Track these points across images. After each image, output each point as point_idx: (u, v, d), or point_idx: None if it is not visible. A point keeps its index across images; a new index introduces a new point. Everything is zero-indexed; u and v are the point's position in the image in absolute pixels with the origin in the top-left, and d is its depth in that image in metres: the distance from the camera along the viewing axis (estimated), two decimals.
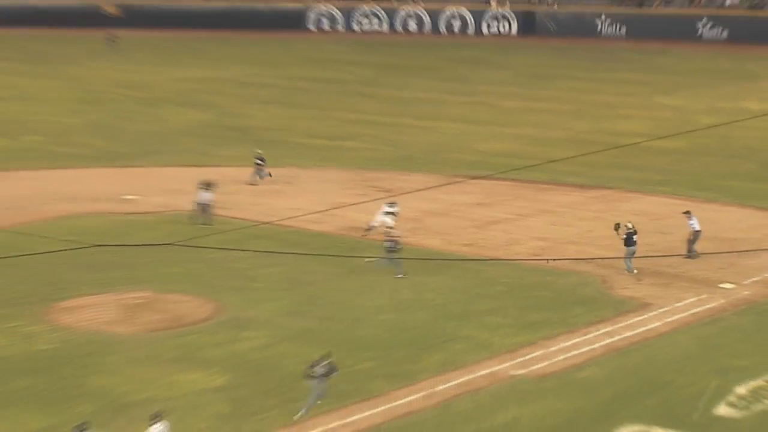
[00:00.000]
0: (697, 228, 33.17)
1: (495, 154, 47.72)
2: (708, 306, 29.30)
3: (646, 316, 28.61)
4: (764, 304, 29.41)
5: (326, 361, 22.68)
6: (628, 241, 31.80)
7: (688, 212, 33.68)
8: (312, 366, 22.56)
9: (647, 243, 33.78)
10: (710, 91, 62.65)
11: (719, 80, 66.52)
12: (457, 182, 40.87)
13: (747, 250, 33.00)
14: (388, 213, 34.51)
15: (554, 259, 32.11)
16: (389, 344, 26.70)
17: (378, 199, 38.04)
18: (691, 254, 32.88)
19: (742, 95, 61.04)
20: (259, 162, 42.77)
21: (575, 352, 26.17)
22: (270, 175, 41.74)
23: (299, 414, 22.36)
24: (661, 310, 28.95)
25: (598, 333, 27.35)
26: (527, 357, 25.91)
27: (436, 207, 38.96)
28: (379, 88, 66.26)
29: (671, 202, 39.25)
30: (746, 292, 30.31)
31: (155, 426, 20.45)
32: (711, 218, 37.80)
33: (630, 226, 32.19)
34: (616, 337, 27.11)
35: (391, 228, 33.30)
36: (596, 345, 26.63)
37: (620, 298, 30.00)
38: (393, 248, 31.40)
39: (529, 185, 42.37)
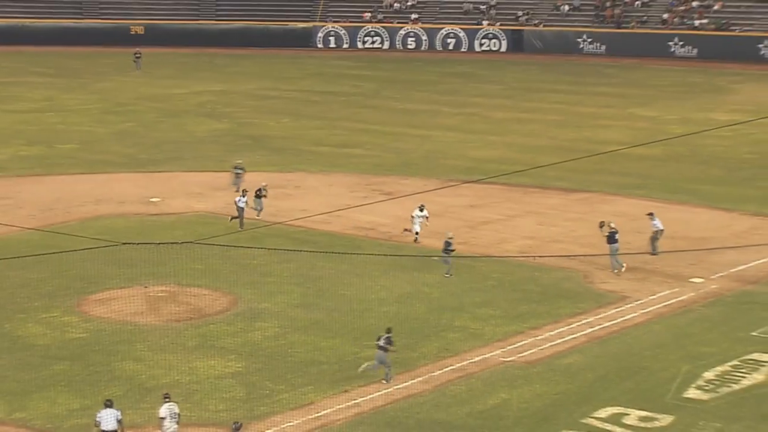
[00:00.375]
0: (660, 227, 33.21)
1: (486, 161, 47.73)
2: (680, 298, 29.34)
3: (623, 307, 28.65)
4: (730, 296, 29.45)
5: (387, 335, 23.73)
6: (611, 239, 31.83)
7: (651, 213, 33.77)
8: (378, 338, 23.71)
9: (625, 241, 33.78)
10: (682, 104, 62.61)
11: (690, 94, 66.48)
12: (452, 186, 40.90)
13: (715, 248, 33.03)
14: (420, 217, 34.47)
15: (541, 256, 32.13)
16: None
17: (380, 201, 38.07)
18: (654, 251, 32.93)
19: (710, 107, 61.03)
20: (238, 171, 40.76)
21: (560, 341, 26.22)
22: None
23: (363, 367, 23.70)
24: (637, 303, 29.01)
25: (580, 323, 27.41)
26: (516, 345, 25.96)
27: (433, 209, 38.93)
28: (381, 100, 66.27)
29: (648, 205, 39.21)
30: (714, 286, 30.35)
31: (164, 407, 20.57)
32: (683, 219, 37.83)
33: (613, 225, 32.23)
34: (597, 327, 27.16)
35: (415, 232, 33.51)
36: (579, 334, 26.68)
37: (600, 291, 30.04)
38: (447, 249, 30.92)
39: (518, 189, 42.39)
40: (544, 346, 25.89)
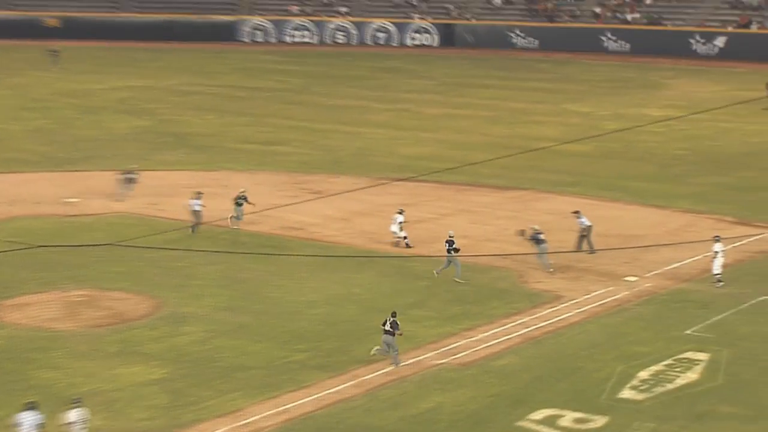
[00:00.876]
0: (587, 224, 33.71)
1: (418, 158, 47.92)
2: (614, 297, 29.81)
3: (558, 307, 29.01)
4: (664, 295, 30.01)
5: (393, 319, 24.52)
6: (538, 241, 32.25)
7: (576, 212, 34.24)
8: (384, 323, 24.50)
9: (558, 240, 34.24)
10: (615, 99, 63.63)
11: (623, 89, 67.59)
12: (383, 184, 40.96)
13: (649, 246, 33.63)
14: (400, 222, 34.29)
15: (474, 256, 32.36)
16: (321, 336, 26.69)
17: (308, 200, 37.98)
18: (591, 249, 33.41)
19: (643, 103, 62.14)
20: (131, 176, 39.57)
21: (494, 342, 26.44)
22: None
23: (373, 351, 24.66)
24: (572, 302, 29.39)
25: (514, 324, 27.67)
26: (449, 347, 26.10)
27: (363, 207, 39.00)
28: (309, 96, 66.10)
29: (581, 202, 39.77)
30: (648, 284, 30.90)
31: (74, 411, 20.18)
32: (616, 216, 38.46)
33: (536, 227, 32.65)
34: (531, 328, 27.45)
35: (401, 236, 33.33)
36: (513, 335, 26.93)
37: (535, 291, 30.37)
38: (451, 248, 30.57)
39: (450, 187, 42.64)
40: (478, 348, 26.08)
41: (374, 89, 67.92)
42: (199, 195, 35.86)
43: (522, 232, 32.60)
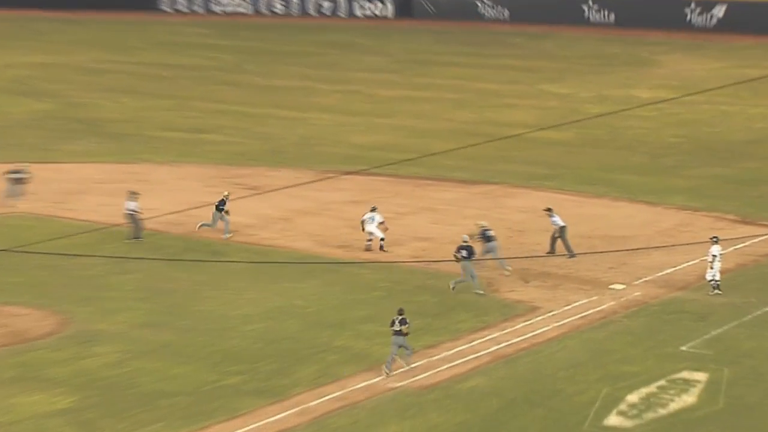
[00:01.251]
0: (561, 224, 34.00)
1: (371, 148, 47.97)
2: (598, 308, 30.06)
3: (534, 320, 29.20)
4: (656, 305, 30.33)
5: (401, 317, 25.62)
6: (487, 239, 32.45)
7: (548, 209, 34.49)
8: (392, 323, 25.69)
9: (534, 242, 34.48)
10: (598, 78, 64.14)
11: (607, 66, 68.15)
12: (330, 178, 40.93)
13: (638, 249, 33.94)
14: (380, 222, 34.18)
15: (437, 261, 32.46)
16: (258, 357, 26.64)
17: (243, 197, 37.85)
18: (552, 252, 33.75)
19: (631, 82, 62.70)
20: (18, 176, 38.52)
21: (460, 361, 26.55)
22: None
23: (389, 358, 25.65)
24: (550, 314, 29.60)
25: (483, 340, 27.80)
26: (408, 367, 26.16)
27: (308, 206, 38.97)
28: (242, 75, 65.88)
29: (559, 198, 40.08)
30: (637, 293, 31.20)
31: None
32: (600, 214, 38.79)
33: (484, 224, 32.86)
34: (503, 344, 27.60)
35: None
36: (482, 353, 27.06)
37: (507, 301, 30.54)
38: (468, 255, 30.64)
39: (409, 181, 42.75)
40: (442, 368, 26.18)
41: (319, 68, 67.86)
42: (134, 195, 35.50)
43: (471, 237, 32.89)
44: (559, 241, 33.94)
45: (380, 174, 42.08)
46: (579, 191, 41.58)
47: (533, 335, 28.18)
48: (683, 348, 27.31)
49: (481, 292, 30.49)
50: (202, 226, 35.37)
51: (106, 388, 24.79)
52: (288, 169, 44.49)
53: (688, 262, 32.93)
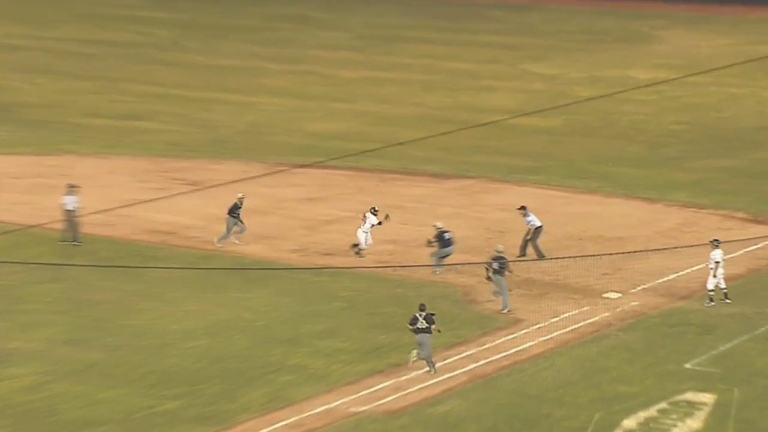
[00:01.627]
0: (538, 224, 34.17)
1: (329, 137, 47.94)
2: (590, 320, 30.19)
3: (517, 334, 29.29)
4: (656, 317, 30.49)
5: (425, 313, 26.74)
6: (444, 242, 32.63)
7: (523, 208, 34.60)
8: (413, 320, 26.76)
9: (517, 245, 34.58)
10: (590, 57, 64.45)
11: (600, 43, 68.50)
12: (282, 172, 40.88)
13: (635, 252, 34.10)
14: (373, 225, 34.06)
15: (405, 266, 32.49)
16: (200, 378, 26.59)
17: (182, 193, 37.78)
18: (523, 255, 33.98)
19: (627, 62, 63.04)
20: None
21: (432, 382, 26.59)
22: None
23: (412, 357, 26.70)
24: (535, 327, 29.70)
25: (459, 357, 27.86)
26: (372, 389, 26.16)
27: (257, 204, 38.89)
28: (180, 53, 65.69)
29: (545, 194, 40.25)
30: (634, 303, 31.37)
31: None
32: (592, 213, 38.97)
33: (440, 225, 33.07)
34: (482, 362, 27.67)
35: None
36: (458, 372, 27.12)
37: (486, 313, 30.62)
38: (500, 267, 30.69)
39: (373, 175, 42.75)
40: (411, 390, 26.22)
41: (269, 44, 67.78)
42: (73, 189, 35.28)
43: (429, 242, 33.02)
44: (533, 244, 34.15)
45: (340, 167, 42.05)
46: (568, 186, 41.76)
47: (516, 351, 28.26)
48: (687, 365, 27.48)
49: (506, 311, 30.53)
50: (221, 240, 34.76)
51: (22, 415, 24.64)
52: (234, 161, 44.40)
53: (692, 267, 33.10)
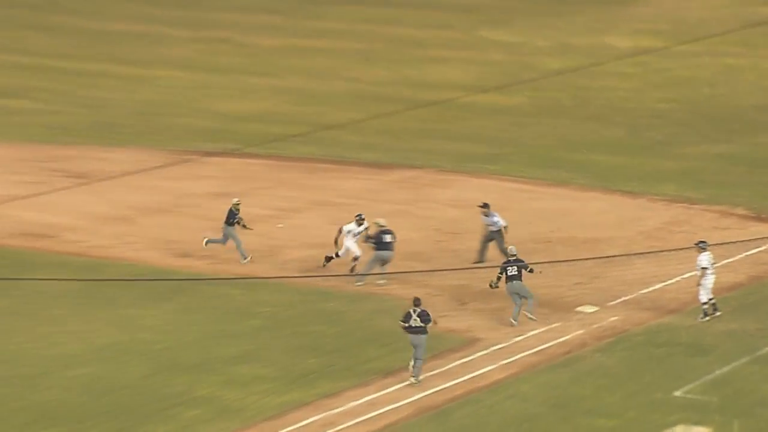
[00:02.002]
0: (502, 223, 34.32)
1: (245, 118, 47.77)
2: (561, 339, 30.27)
3: (473, 356, 29.32)
4: (639, 335, 30.59)
5: (420, 309, 27.61)
6: (381, 245, 32.78)
7: (485, 205, 34.64)
8: (406, 317, 27.56)
9: (473, 248, 34.62)
10: (559, 22, 64.63)
11: (572, 5, 68.70)
12: (187, 161, 40.69)
13: (614, 256, 34.26)
14: (356, 233, 33.83)
15: (337, 276, 32.45)
16: (85, 414, 26.39)
17: (63, 188, 37.53)
18: (482, 260, 34.20)
19: (603, 27, 63.27)
20: None
21: (370, 415, 26.58)
22: None
23: (412, 366, 27.72)
24: (495, 348, 29.74)
25: (403, 385, 27.87)
26: (298, 425, 26.13)
27: (156, 200, 38.70)
28: (59, 16, 65.16)
29: (507, 187, 40.34)
30: (614, 318, 31.49)
31: None
32: (564, 209, 39.09)
33: (383, 223, 33.22)
34: (430, 390, 27.69)
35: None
36: (401, 403, 27.13)
37: (436, 331, 30.61)
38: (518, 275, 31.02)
39: (298, 165, 42.65)
40: (346, 425, 26.21)
41: (170, 5, 67.43)
42: None
43: (368, 239, 33.15)
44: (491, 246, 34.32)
45: (258, 155, 41.98)
46: (533, 178, 41.88)
47: (472, 378, 28.30)
48: (677, 393, 27.65)
49: (515, 323, 30.88)
50: (209, 242, 34.68)
51: None
52: (128, 148, 44.14)
53: (682, 274, 33.29)
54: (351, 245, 33.87)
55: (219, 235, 34.78)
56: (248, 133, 43.77)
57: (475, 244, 34.63)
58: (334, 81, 53.73)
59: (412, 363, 27.58)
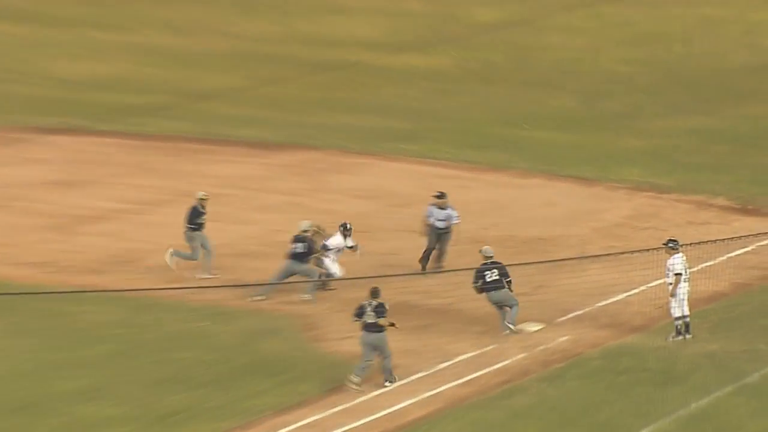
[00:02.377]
0: (456, 220, 34.65)
1: (92, 85, 47.66)
2: (497, 366, 30.47)
3: (383, 390, 29.42)
4: (596, 359, 30.88)
5: (376, 302, 28.32)
6: (295, 256, 33.18)
7: (440, 195, 34.92)
8: (360, 311, 28.51)
9: (388, 250, 34.76)
10: None
11: None
12: (16, 141, 40.53)
13: (564, 260, 34.48)
14: (339, 248, 33.78)
15: (216, 287, 32.43)
16: None
17: None
18: (425, 268, 34.66)
19: None
20: None
21: None
22: None
23: (354, 379, 28.59)
24: (414, 378, 29.88)
25: (298, 425, 27.94)
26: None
27: None
28: None
29: (428, 172, 40.49)
30: (564, 338, 31.76)
31: None
32: (501, 200, 39.32)
33: (306, 226, 33.56)
34: None
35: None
36: None
37: (338, 357, 30.67)
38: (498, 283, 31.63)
39: (160, 145, 42.61)
40: None
41: None
42: None
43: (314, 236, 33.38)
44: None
45: (110, 133, 41.92)
46: (461, 160, 42.12)
47: (383, 416, 28.41)
48: None
49: (513, 329, 31.50)
50: (174, 255, 34.62)
51: None
52: None
53: (649, 282, 33.58)
54: (330, 266, 33.96)
55: (186, 247, 34.54)
56: (97, 104, 43.61)
57: (391, 245, 34.73)
58: (206, 36, 53.68)
59: (362, 364, 28.19)
